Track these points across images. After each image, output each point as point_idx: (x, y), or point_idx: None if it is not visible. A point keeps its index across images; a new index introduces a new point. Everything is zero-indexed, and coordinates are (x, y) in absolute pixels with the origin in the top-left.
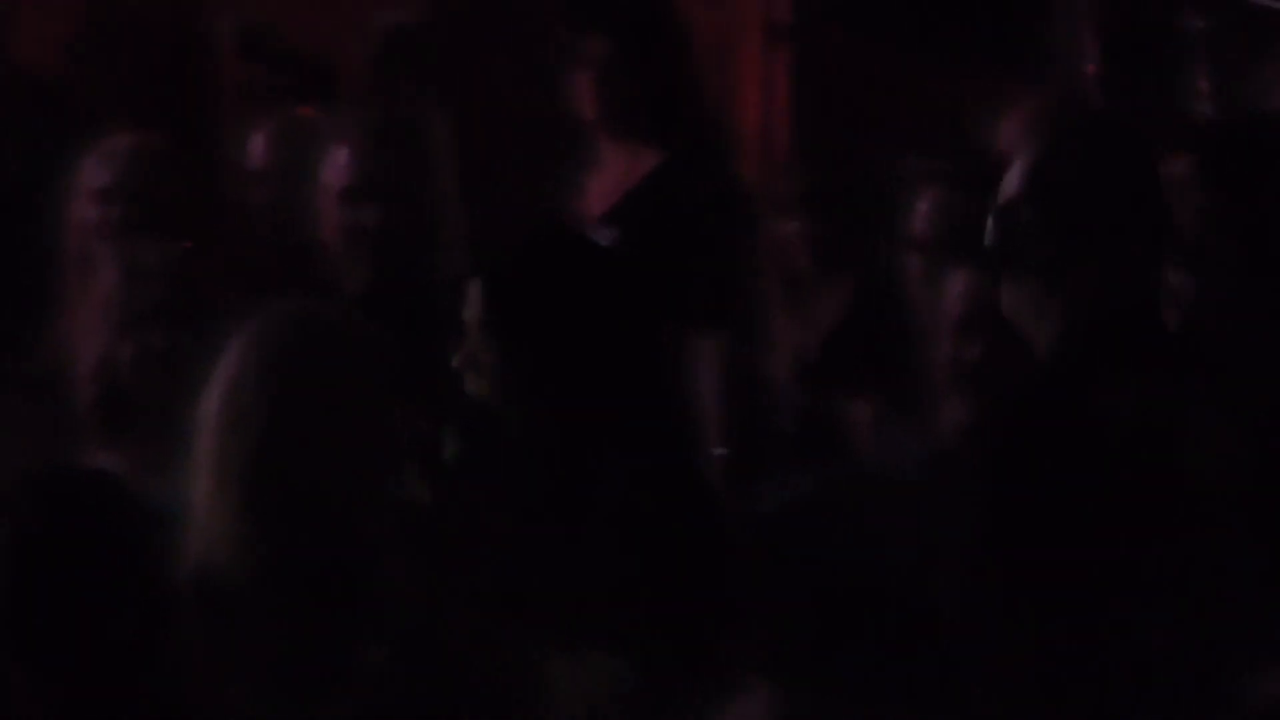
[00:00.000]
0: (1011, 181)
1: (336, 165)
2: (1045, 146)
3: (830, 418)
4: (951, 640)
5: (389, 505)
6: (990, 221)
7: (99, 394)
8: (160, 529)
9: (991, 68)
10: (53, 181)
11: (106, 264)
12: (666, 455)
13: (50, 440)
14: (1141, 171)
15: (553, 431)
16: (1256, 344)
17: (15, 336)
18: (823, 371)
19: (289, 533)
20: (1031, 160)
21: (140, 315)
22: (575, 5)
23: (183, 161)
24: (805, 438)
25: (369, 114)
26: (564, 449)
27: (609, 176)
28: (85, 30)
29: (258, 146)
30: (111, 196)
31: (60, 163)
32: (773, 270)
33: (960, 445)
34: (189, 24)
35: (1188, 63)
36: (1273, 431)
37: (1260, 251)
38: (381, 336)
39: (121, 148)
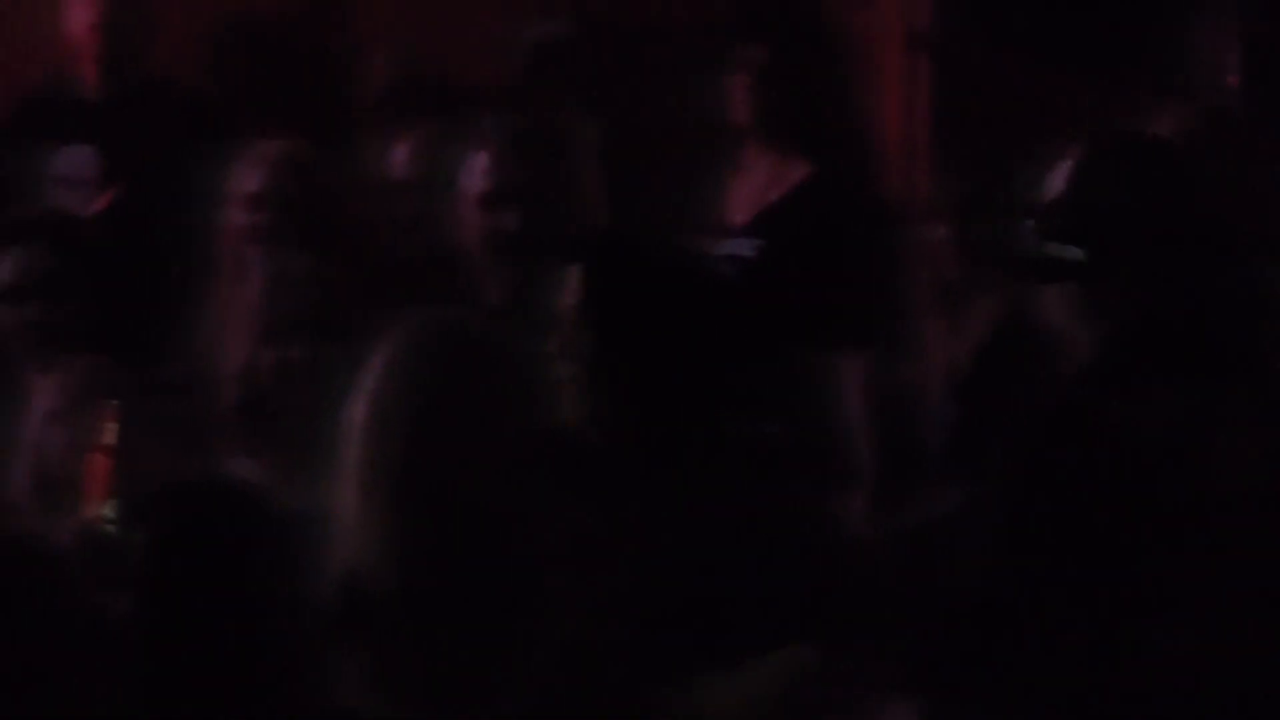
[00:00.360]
0: (1054, 184)
1: (476, 171)
2: (1087, 153)
3: (982, 432)
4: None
5: (537, 513)
6: (1028, 225)
7: (241, 401)
8: (302, 537)
9: (1132, 76)
10: (198, 187)
11: (252, 271)
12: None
13: (192, 447)
14: (1172, 184)
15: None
16: None
17: (160, 342)
18: (975, 384)
19: (436, 541)
20: (1074, 167)
21: (283, 323)
22: (736, 11)
23: (329, 169)
24: (956, 452)
25: (509, 120)
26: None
27: (754, 185)
28: (230, 39)
29: (400, 156)
30: (261, 202)
31: (206, 169)
32: (921, 281)
33: None
34: (334, 34)
35: None
36: None
37: None
38: (525, 344)
39: (272, 153)
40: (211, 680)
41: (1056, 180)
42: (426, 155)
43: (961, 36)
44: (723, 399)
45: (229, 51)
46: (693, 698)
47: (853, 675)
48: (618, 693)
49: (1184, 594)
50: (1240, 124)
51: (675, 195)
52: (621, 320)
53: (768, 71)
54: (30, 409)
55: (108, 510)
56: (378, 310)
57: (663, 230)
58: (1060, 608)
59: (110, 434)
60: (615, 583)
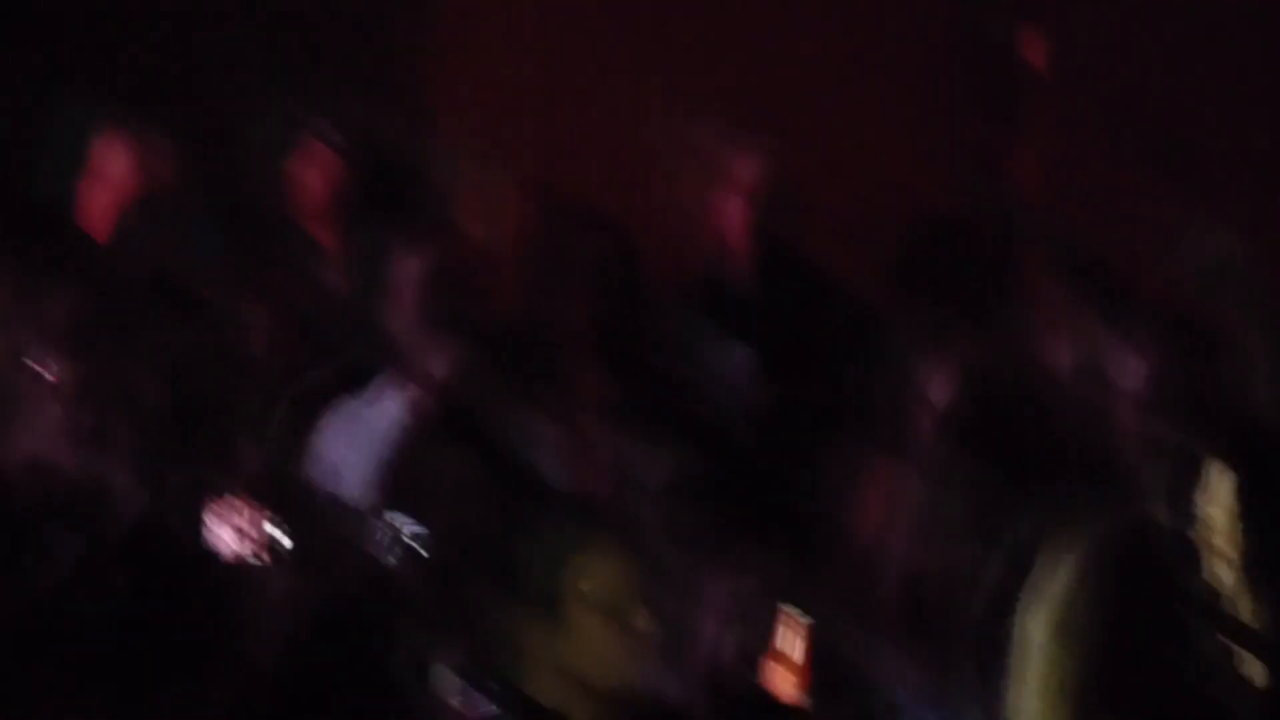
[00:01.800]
0: None
1: (1133, 371)
2: None
3: None
4: None
5: None
6: None
7: (903, 602)
8: None
9: None
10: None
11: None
12: None
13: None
14: None
15: None
16: None
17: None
18: None
19: None
20: None
21: (950, 526)
22: None
23: (1008, 373)
24: None
25: (1171, 322)
26: None
27: None
28: (911, 237)
29: (1063, 354)
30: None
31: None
32: None
33: None
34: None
35: None
36: None
37: None
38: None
39: (966, 357)
40: None
41: None
42: (1088, 350)
43: None
44: None
45: (907, 249)
46: None
47: None
48: None
49: None
50: None
51: None
52: None
53: None
54: (702, 610)
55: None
56: (1035, 513)
57: None
58: None
59: (789, 642)
60: None
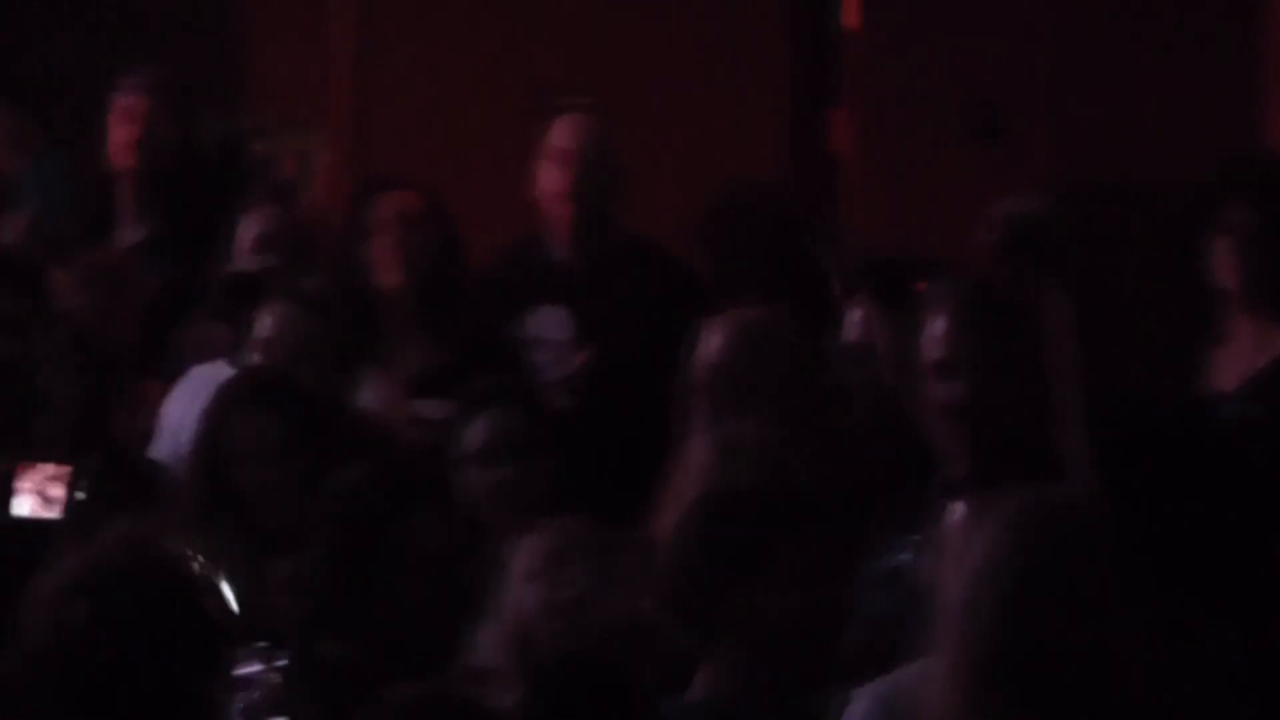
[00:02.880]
0: None
1: (930, 338)
2: None
3: None
4: None
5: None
6: None
7: None
8: None
9: None
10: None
11: (699, 441)
12: None
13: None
14: None
15: None
16: None
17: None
18: None
19: None
20: None
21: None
22: (1221, 174)
23: (803, 338)
24: None
25: (966, 285)
26: None
27: (1240, 352)
28: (716, 207)
29: (859, 322)
30: (719, 370)
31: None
32: None
33: None
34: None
35: None
36: None
37: None
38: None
39: (746, 317)
40: None
41: None
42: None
43: None
44: None
45: (713, 219)
46: None
47: None
48: None
49: None
50: None
51: (1159, 363)
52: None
53: (1255, 235)
54: (507, 569)
55: None
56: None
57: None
58: None
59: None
60: None
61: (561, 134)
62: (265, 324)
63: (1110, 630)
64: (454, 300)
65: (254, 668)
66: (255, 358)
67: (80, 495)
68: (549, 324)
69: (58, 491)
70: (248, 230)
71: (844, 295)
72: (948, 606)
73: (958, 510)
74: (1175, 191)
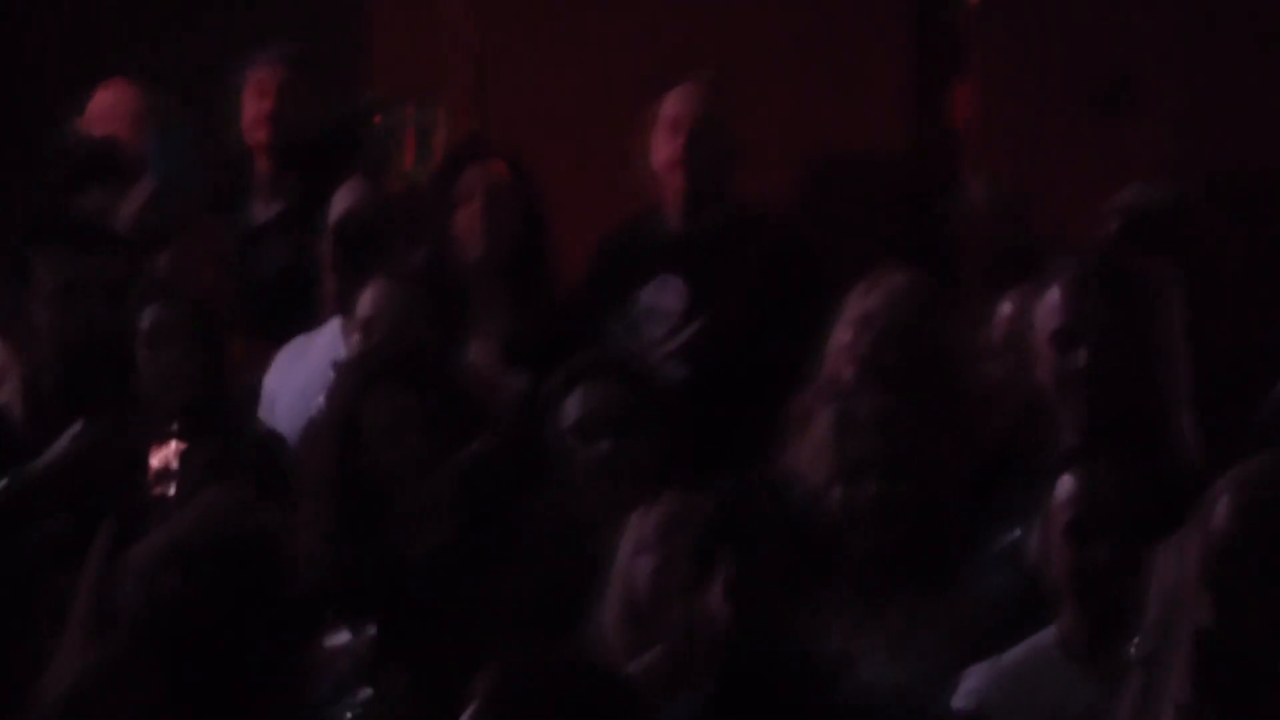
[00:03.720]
0: None
1: (1048, 307)
2: None
3: None
4: None
5: None
6: None
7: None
8: None
9: None
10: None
11: (822, 412)
12: None
13: None
14: None
15: None
16: None
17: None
18: None
19: None
20: None
21: (854, 464)
22: None
23: (941, 307)
24: None
25: (1086, 258)
26: None
27: None
28: (827, 174)
29: (1002, 313)
30: (870, 324)
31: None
32: None
33: None
34: (937, 175)
35: None
36: None
37: None
38: None
39: (895, 283)
40: None
41: None
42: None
43: None
44: None
45: (827, 187)
46: None
47: None
48: None
49: None
50: None
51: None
52: None
53: None
54: (620, 542)
55: None
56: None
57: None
58: None
59: None
60: None
61: (674, 103)
62: (365, 303)
63: None
64: (539, 270)
65: (343, 638)
66: (354, 339)
67: (203, 471)
68: (664, 294)
69: (179, 467)
70: (339, 204)
71: (977, 276)
72: (1169, 588)
73: (1066, 483)
74: None
